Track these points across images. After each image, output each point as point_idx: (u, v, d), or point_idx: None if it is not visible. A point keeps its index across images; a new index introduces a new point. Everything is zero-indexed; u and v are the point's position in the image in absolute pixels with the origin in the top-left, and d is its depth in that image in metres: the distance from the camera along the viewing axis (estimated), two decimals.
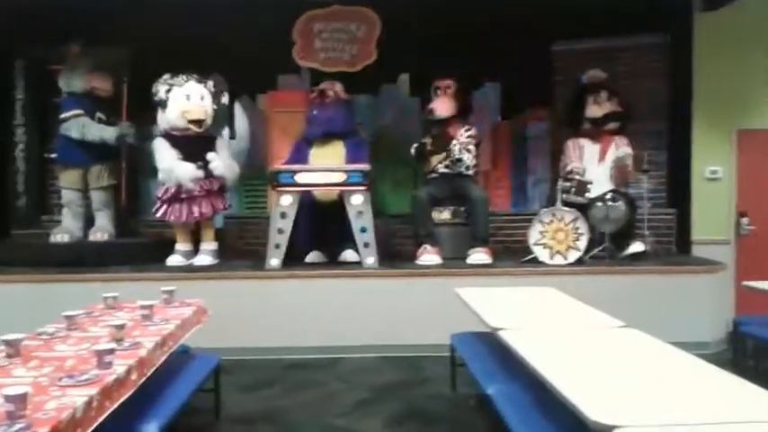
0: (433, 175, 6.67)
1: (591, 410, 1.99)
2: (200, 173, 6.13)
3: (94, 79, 6.57)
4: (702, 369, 2.50)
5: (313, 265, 6.27)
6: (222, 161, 6.26)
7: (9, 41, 7.02)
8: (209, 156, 6.19)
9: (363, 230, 5.98)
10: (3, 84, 7.17)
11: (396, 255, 6.65)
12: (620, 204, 6.08)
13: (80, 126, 6.41)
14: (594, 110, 6.63)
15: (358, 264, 6.09)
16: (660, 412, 2.03)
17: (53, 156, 7.02)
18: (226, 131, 7.39)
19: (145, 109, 6.62)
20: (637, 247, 6.10)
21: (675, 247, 6.89)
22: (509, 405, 3.02)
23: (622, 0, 6.36)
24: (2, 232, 7.00)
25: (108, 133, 6.48)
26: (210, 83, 6.42)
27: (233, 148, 7.08)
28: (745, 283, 4.87)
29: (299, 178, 6.00)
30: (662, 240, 6.69)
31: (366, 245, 5.98)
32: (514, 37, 6.91)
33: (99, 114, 6.61)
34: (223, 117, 7.23)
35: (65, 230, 6.49)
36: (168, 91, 6.19)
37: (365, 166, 6.09)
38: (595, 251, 6.09)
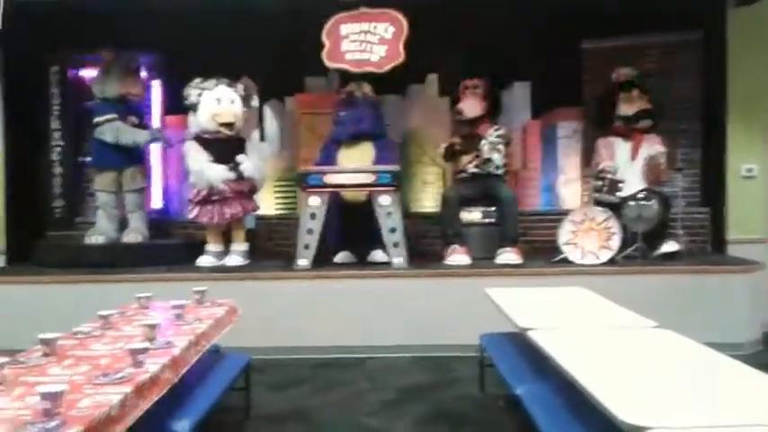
0: (463, 175, 6.65)
1: (622, 411, 1.96)
2: (231, 174, 6.19)
3: (127, 84, 6.70)
4: (737, 370, 2.46)
5: (342, 266, 6.29)
6: (252, 163, 6.32)
7: (44, 48, 7.18)
8: (239, 158, 6.26)
9: (392, 231, 5.98)
10: (39, 90, 7.33)
11: (425, 255, 6.63)
12: (653, 203, 5.99)
13: (114, 130, 6.54)
14: (626, 108, 6.54)
15: (387, 264, 6.10)
16: (693, 414, 1.99)
17: (88, 159, 7.17)
18: (255, 134, 7.48)
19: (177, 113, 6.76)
20: (670, 246, 5.99)
21: (710, 247, 6.76)
22: (538, 406, 2.99)
23: None
24: (38, 234, 7.15)
25: (141, 137, 6.61)
26: (240, 86, 6.49)
27: (263, 151, 7.14)
28: None
29: (328, 179, 6.02)
30: (696, 240, 6.57)
31: (395, 245, 5.99)
32: (544, 35, 6.87)
33: (132, 118, 6.74)
34: (252, 120, 7.33)
35: (99, 232, 6.62)
36: (199, 95, 6.29)
37: (394, 167, 6.10)
38: (628, 251, 6.00)
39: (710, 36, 6.82)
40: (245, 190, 6.35)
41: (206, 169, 6.17)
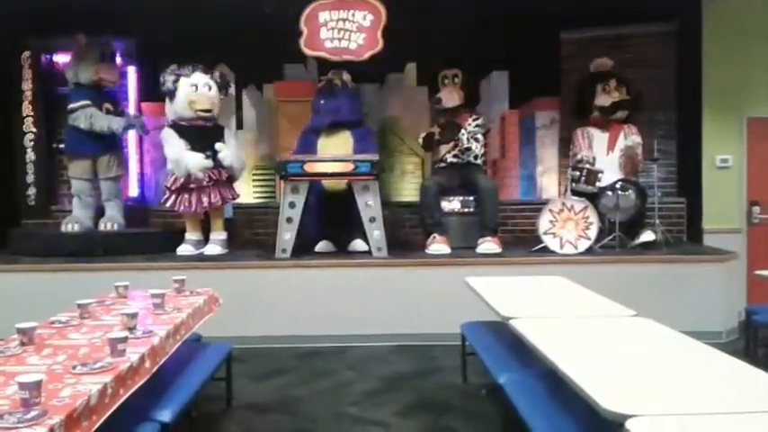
0: (442, 164, 6.67)
1: (603, 399, 1.98)
2: (209, 162, 6.14)
3: (101, 70, 6.58)
4: (715, 358, 2.49)
5: (322, 255, 6.28)
6: (230, 151, 6.26)
7: (16, 33, 7.03)
8: (218, 146, 6.20)
9: (372, 220, 5.98)
10: (11, 75, 7.19)
11: (405, 244, 6.65)
12: (630, 193, 6.07)
13: (87, 116, 6.42)
14: (603, 99, 6.59)
15: (367, 253, 6.10)
16: (673, 401, 2.02)
17: (62, 146, 7.05)
18: (233, 121, 7.41)
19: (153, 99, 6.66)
20: (647, 236, 6.07)
21: (686, 237, 6.86)
22: (521, 394, 3.01)
23: None
24: (13, 222, 7.04)
25: (116, 123, 6.50)
26: (217, 73, 6.42)
27: (240, 139, 7.08)
28: (758, 272, 4.85)
29: (308, 168, 5.99)
30: (672, 229, 6.66)
31: (375, 234, 5.99)
32: (522, 25, 6.89)
33: (106, 105, 6.63)
34: (230, 107, 7.26)
35: (75, 220, 6.53)
36: (176, 81, 6.21)
37: (373, 156, 6.08)
38: (606, 240, 6.07)
39: (686, 27, 6.89)
40: (224, 178, 6.29)
41: (184, 157, 6.10)
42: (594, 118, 6.65)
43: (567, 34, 7.29)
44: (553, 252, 5.93)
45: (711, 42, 6.62)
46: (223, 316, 4.14)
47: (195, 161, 6.08)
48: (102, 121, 6.45)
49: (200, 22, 6.72)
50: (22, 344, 2.68)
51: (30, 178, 7.29)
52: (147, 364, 2.66)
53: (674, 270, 5.75)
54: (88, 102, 6.48)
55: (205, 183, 6.14)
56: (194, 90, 6.20)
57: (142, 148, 7.54)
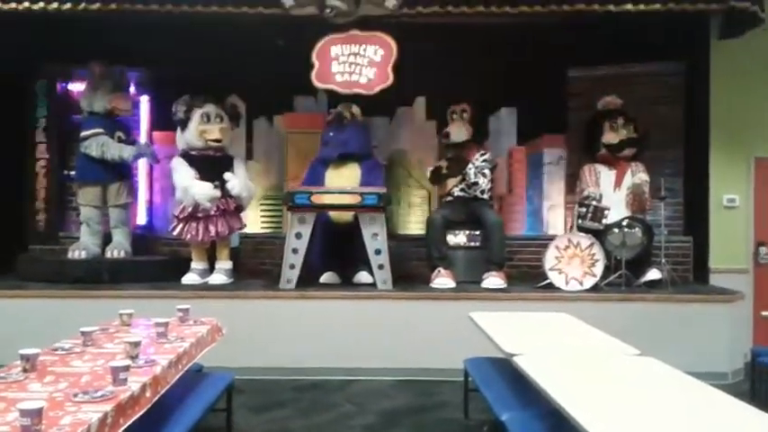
0: (449, 198, 6.69)
1: None
2: (217, 192, 6.18)
3: (115, 99, 6.67)
4: (720, 400, 2.47)
5: (327, 286, 6.27)
6: (239, 181, 6.31)
7: (32, 61, 7.15)
8: (227, 175, 6.25)
9: (378, 252, 5.98)
10: (25, 102, 7.29)
11: (410, 277, 6.64)
12: (637, 231, 6.05)
13: (99, 145, 6.49)
14: (611, 136, 6.62)
15: (372, 285, 6.09)
16: None
17: (72, 173, 7.12)
18: (243, 152, 7.48)
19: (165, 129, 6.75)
20: (653, 274, 6.05)
21: (692, 276, 6.82)
22: None
23: (638, 27, 6.38)
24: (20, 247, 7.07)
25: (127, 152, 6.56)
26: (228, 104, 6.51)
27: (250, 169, 7.13)
28: (764, 313, 4.81)
29: (315, 199, 6.02)
30: (678, 268, 6.62)
31: (380, 267, 5.99)
32: (530, 62, 6.97)
33: (119, 133, 6.70)
34: (240, 138, 7.33)
35: (82, 247, 6.55)
36: (187, 111, 6.29)
37: (381, 189, 6.11)
38: (611, 278, 6.04)
39: (694, 67, 6.93)
40: (232, 208, 6.32)
41: (192, 186, 6.15)
42: (602, 155, 6.67)
43: (574, 72, 7.36)
44: (558, 288, 5.91)
45: (719, 82, 6.65)
46: (226, 346, 4.14)
47: (203, 191, 6.12)
48: (114, 150, 6.52)
49: (213, 53, 6.84)
50: (25, 370, 2.69)
51: (39, 204, 7.35)
52: (149, 394, 2.65)
53: (680, 309, 5.71)
54: (101, 130, 6.55)
55: (213, 212, 6.18)
56: (206, 120, 6.29)
57: (152, 177, 7.60)
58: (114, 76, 6.80)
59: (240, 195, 6.32)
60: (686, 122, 7.06)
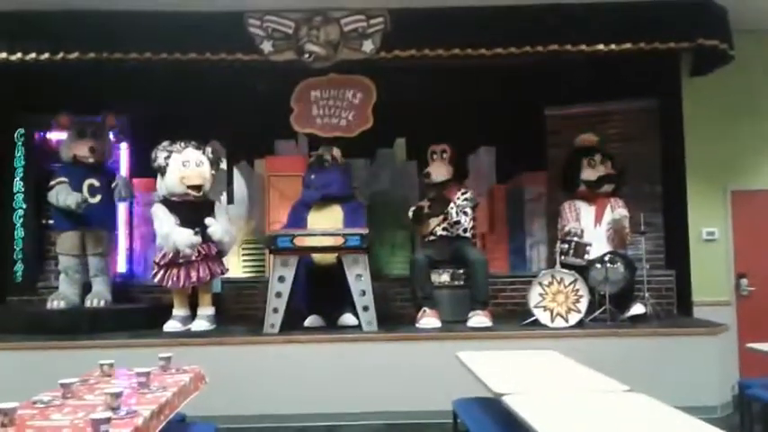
0: (431, 237, 6.70)
1: None
2: (198, 238, 6.13)
3: (75, 147, 6.63)
4: None
5: (312, 330, 6.21)
6: (220, 226, 6.27)
7: (10, 110, 7.13)
8: (207, 221, 6.21)
9: (362, 294, 5.94)
10: (3, 152, 7.24)
11: (395, 318, 6.60)
12: (619, 266, 6.08)
13: (56, 193, 6.44)
14: (589, 173, 6.70)
15: (357, 327, 6.04)
16: None
17: (50, 222, 7.04)
18: (223, 197, 7.46)
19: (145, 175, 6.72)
20: (637, 309, 6.06)
21: (676, 309, 6.85)
22: None
23: (612, 66, 6.52)
24: None
25: (70, 200, 6.35)
26: (209, 149, 6.49)
27: (231, 213, 7.11)
28: (750, 345, 4.83)
29: (297, 242, 5.99)
30: (662, 302, 6.65)
31: (365, 308, 5.94)
32: (508, 102, 7.10)
33: (90, 181, 6.61)
34: (221, 182, 7.32)
35: (61, 297, 6.44)
36: (167, 157, 6.27)
37: (363, 230, 6.10)
38: (596, 313, 6.05)
39: (666, 104, 7.09)
40: (213, 253, 6.27)
41: (172, 233, 6.10)
42: (581, 191, 6.74)
43: (551, 110, 7.49)
44: (544, 325, 5.89)
45: (692, 117, 6.78)
46: (209, 394, 4.05)
47: (183, 238, 6.07)
48: (63, 198, 6.39)
49: (193, 98, 6.87)
50: (3, 425, 2.60)
51: (17, 254, 7.24)
52: None
53: (666, 343, 5.71)
54: (63, 179, 6.50)
55: (194, 258, 6.12)
56: (185, 166, 6.25)
57: (132, 224, 7.53)
58: (78, 125, 6.74)
59: (222, 240, 6.28)
60: (662, 157, 7.18)
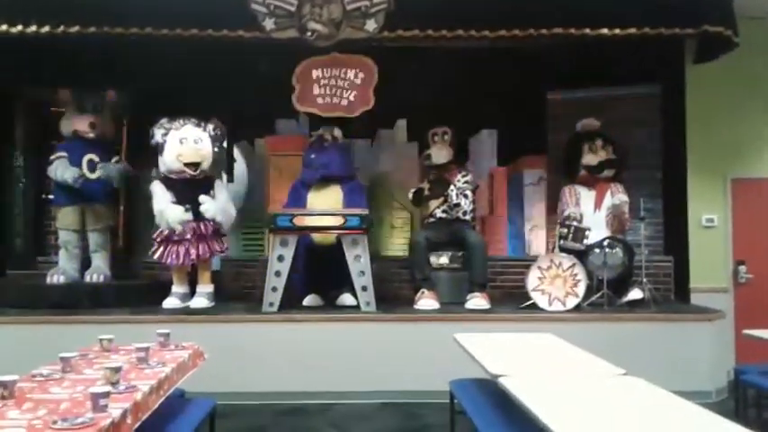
0: (431, 219, 6.71)
1: None
2: (188, 216, 6.12)
3: (76, 122, 6.61)
4: (707, 419, 2.47)
5: (310, 309, 6.23)
6: (214, 204, 6.24)
7: (11, 83, 7.09)
8: (201, 198, 6.18)
9: (361, 274, 5.96)
10: (3, 125, 7.21)
11: (393, 299, 6.62)
12: (618, 251, 6.09)
13: (55, 168, 6.44)
14: (590, 158, 6.69)
15: (355, 307, 6.06)
16: None
17: (51, 197, 7.03)
18: (223, 175, 7.44)
19: (143, 152, 6.71)
20: (635, 294, 6.08)
21: (674, 295, 6.87)
22: None
23: (615, 50, 6.48)
24: None
25: (68, 174, 6.36)
26: (210, 126, 6.46)
27: (231, 191, 7.09)
28: (746, 331, 4.86)
29: (297, 221, 6.00)
30: (660, 288, 6.67)
31: (364, 288, 5.96)
32: (510, 85, 7.05)
33: (90, 156, 6.58)
34: (221, 161, 7.28)
35: (61, 271, 6.46)
36: (165, 135, 6.25)
37: (363, 210, 6.11)
38: (594, 298, 6.07)
39: (669, 90, 7.05)
40: (210, 231, 6.23)
41: (165, 210, 6.11)
42: (582, 176, 6.74)
43: (553, 94, 7.45)
44: (542, 309, 5.92)
45: (694, 104, 6.77)
46: (208, 370, 4.08)
47: (174, 214, 6.08)
48: (60, 173, 6.40)
49: (194, 76, 6.82)
50: (3, 397, 2.62)
51: (17, 228, 7.24)
52: (129, 420, 2.60)
53: (663, 328, 5.74)
54: (63, 153, 6.50)
55: (188, 236, 6.10)
56: (182, 143, 6.23)
57: (131, 200, 7.51)
58: (85, 99, 6.74)
59: (214, 218, 6.24)
60: (664, 143, 7.16)
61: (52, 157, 6.52)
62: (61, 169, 6.42)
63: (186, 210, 6.12)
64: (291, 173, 7.00)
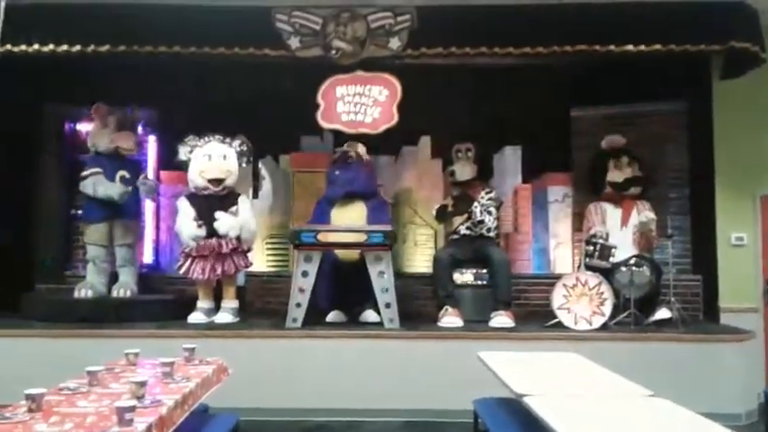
0: (455, 236, 6.69)
1: None
2: (202, 232, 6.18)
3: (117, 138, 6.70)
4: None
5: (334, 325, 6.23)
6: (228, 220, 6.25)
7: (41, 100, 7.24)
8: (217, 214, 6.23)
9: (384, 291, 5.95)
10: (32, 140, 7.34)
11: (417, 316, 6.60)
12: (645, 269, 6.01)
13: (92, 184, 6.52)
14: (615, 174, 6.64)
15: (379, 324, 6.05)
16: None
17: (79, 212, 7.14)
18: (249, 191, 7.51)
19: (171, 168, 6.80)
20: (663, 313, 5.98)
21: (703, 315, 6.74)
22: None
23: (641, 67, 6.45)
24: (26, 286, 7.04)
25: (114, 191, 6.46)
26: (237, 142, 6.53)
27: (255, 208, 7.15)
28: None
29: (321, 237, 6.02)
30: (688, 307, 6.55)
31: (387, 305, 5.95)
32: (534, 101, 7.04)
33: (122, 172, 6.69)
34: (247, 177, 7.36)
35: (88, 286, 6.53)
36: (190, 152, 6.37)
37: (387, 227, 6.12)
38: (620, 317, 5.98)
39: (696, 106, 6.97)
40: (229, 248, 6.24)
41: (180, 226, 6.22)
42: (607, 194, 6.68)
43: (577, 111, 7.41)
44: (567, 328, 5.85)
45: (722, 121, 6.67)
46: (232, 386, 4.09)
47: (188, 230, 6.15)
48: (102, 189, 6.47)
49: (220, 93, 6.92)
50: (30, 410, 2.65)
51: (46, 243, 7.35)
52: None
53: (692, 349, 5.63)
54: (98, 169, 6.57)
55: (206, 252, 6.15)
56: (207, 160, 6.32)
57: (159, 215, 7.62)
58: (118, 116, 6.83)
59: (228, 234, 6.23)
60: (691, 161, 7.08)
61: (85, 173, 6.59)
62: (104, 186, 6.49)
63: (199, 226, 6.18)
64: (315, 189, 7.05)
